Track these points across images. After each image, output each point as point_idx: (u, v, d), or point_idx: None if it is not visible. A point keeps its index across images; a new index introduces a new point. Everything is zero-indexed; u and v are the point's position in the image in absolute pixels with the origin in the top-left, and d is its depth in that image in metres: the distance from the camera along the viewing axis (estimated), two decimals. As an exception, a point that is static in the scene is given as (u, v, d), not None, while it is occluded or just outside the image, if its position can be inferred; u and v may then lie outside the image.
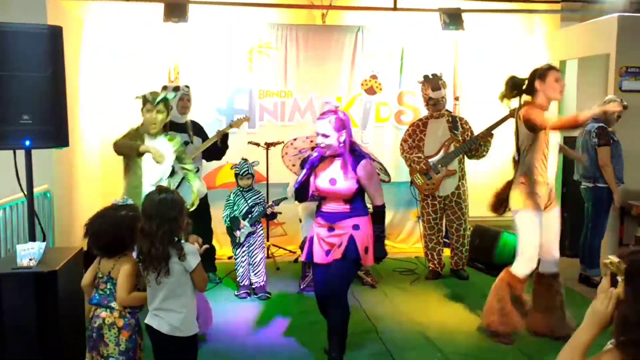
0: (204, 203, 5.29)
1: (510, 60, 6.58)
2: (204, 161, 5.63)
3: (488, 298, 4.06)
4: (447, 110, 5.48)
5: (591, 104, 5.05)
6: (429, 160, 5.34)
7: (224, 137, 5.19)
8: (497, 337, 3.98)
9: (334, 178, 3.52)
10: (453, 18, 5.94)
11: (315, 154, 3.57)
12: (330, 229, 3.57)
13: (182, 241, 2.63)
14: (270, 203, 5.08)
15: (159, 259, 2.54)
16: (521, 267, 3.89)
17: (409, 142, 5.45)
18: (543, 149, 3.79)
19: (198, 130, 5.29)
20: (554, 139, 3.85)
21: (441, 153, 5.32)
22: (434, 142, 5.35)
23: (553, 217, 3.95)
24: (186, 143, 5.13)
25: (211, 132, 5.35)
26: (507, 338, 3.96)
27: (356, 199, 3.57)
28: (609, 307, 1.62)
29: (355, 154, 3.56)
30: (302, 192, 3.66)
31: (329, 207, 3.60)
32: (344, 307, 3.59)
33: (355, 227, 3.53)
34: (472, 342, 4.05)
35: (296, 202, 5.65)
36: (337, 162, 3.53)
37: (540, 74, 3.84)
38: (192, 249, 2.60)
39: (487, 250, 5.66)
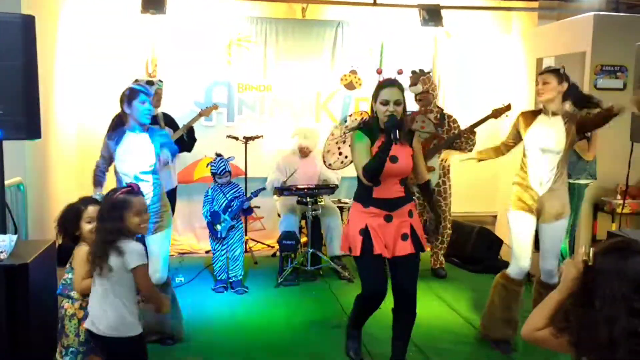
0: (171, 196, 5.25)
1: (489, 57, 6.64)
2: (181, 155, 5.60)
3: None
4: (438, 107, 5.43)
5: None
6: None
7: (189, 131, 5.14)
8: (496, 345, 3.87)
9: (395, 155, 3.12)
10: (432, 14, 5.95)
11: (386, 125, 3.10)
12: (388, 218, 3.19)
13: (130, 240, 2.54)
14: (249, 196, 5.07)
15: (98, 257, 2.50)
16: (510, 266, 3.83)
17: None
18: (522, 155, 3.77)
19: (169, 121, 5.27)
20: (534, 145, 3.67)
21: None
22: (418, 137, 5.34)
23: (550, 229, 3.73)
24: None
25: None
26: (503, 346, 3.84)
27: (405, 180, 3.26)
28: (576, 266, 1.69)
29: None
30: (378, 174, 3.11)
31: (383, 192, 3.17)
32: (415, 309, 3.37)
33: (410, 213, 3.26)
34: (447, 337, 4.08)
35: (275, 196, 5.70)
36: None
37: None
38: (137, 248, 2.52)
39: (462, 244, 5.72)
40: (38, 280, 3.15)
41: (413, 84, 5.33)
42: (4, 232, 3.36)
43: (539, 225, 3.77)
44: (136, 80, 5.01)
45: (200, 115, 5.26)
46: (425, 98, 5.31)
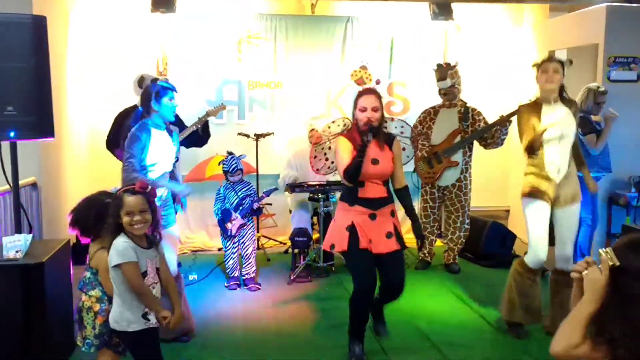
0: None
1: (500, 50, 6.59)
2: (193, 153, 5.64)
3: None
4: (461, 100, 5.38)
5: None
6: (434, 149, 5.29)
7: (204, 125, 5.14)
8: (511, 328, 3.95)
9: (375, 158, 3.39)
10: (442, 8, 5.93)
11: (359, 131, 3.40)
12: (372, 216, 3.42)
13: (119, 238, 2.58)
14: (261, 195, 5.07)
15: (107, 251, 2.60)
16: (528, 256, 3.84)
17: (418, 128, 5.41)
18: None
19: (176, 120, 5.29)
20: (553, 133, 3.71)
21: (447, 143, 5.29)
22: (442, 132, 5.29)
23: (566, 214, 3.80)
24: None
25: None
26: (518, 330, 3.91)
27: (387, 182, 3.51)
28: (603, 272, 1.60)
29: (385, 131, 3.56)
30: (356, 175, 3.36)
31: (367, 192, 3.41)
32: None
33: (392, 213, 3.51)
34: (461, 332, 4.07)
35: (286, 193, 5.70)
36: (373, 141, 3.38)
37: (537, 68, 3.80)
38: (117, 246, 2.55)
39: (476, 239, 5.69)
40: (53, 279, 3.18)
41: (442, 78, 5.28)
42: (19, 231, 3.40)
43: (554, 212, 3.80)
44: (141, 77, 5.04)
45: (207, 115, 5.26)
46: (451, 92, 5.27)
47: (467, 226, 5.47)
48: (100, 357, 2.83)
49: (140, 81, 5.03)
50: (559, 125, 3.70)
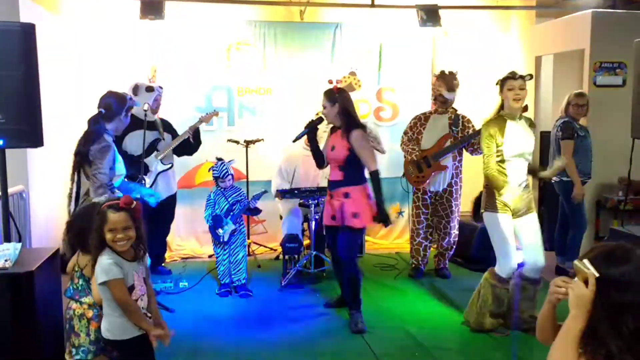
0: (168, 204, 5.27)
1: (487, 56, 6.64)
2: (182, 160, 5.64)
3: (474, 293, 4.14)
4: (452, 107, 5.41)
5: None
6: (424, 154, 5.31)
7: (195, 132, 5.17)
8: (493, 331, 4.07)
9: (334, 145, 4.17)
10: (430, 14, 5.97)
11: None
12: (331, 195, 4.18)
13: (102, 254, 2.55)
14: (251, 198, 5.06)
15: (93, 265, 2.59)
16: (498, 266, 3.99)
17: (409, 134, 5.44)
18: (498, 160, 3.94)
19: (167, 127, 5.31)
20: (516, 150, 3.85)
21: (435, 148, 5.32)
22: (432, 137, 5.31)
23: (529, 222, 3.96)
24: (157, 140, 5.13)
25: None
26: (499, 329, 4.06)
27: (350, 168, 4.10)
28: (589, 286, 1.59)
29: (351, 124, 4.10)
30: (316, 158, 4.41)
31: (330, 175, 4.24)
32: (351, 271, 4.20)
33: (346, 194, 4.10)
34: (453, 337, 4.09)
35: (277, 199, 5.71)
36: (339, 132, 4.16)
37: (500, 84, 3.96)
38: (102, 263, 2.53)
39: (466, 244, 5.71)
40: (43, 287, 3.15)
41: (452, 89, 5.27)
42: (8, 240, 3.37)
43: (517, 221, 3.93)
44: (136, 86, 5.04)
45: (200, 121, 5.28)
46: (449, 102, 5.30)
47: (456, 232, 5.50)
48: None
49: (135, 89, 5.03)
50: (518, 146, 3.86)
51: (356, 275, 4.24)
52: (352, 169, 4.11)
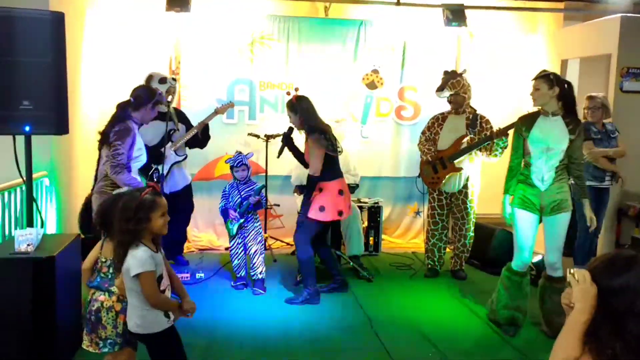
0: (185, 194, 5.32)
1: (513, 58, 6.58)
2: (202, 153, 5.68)
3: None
4: (471, 107, 5.36)
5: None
6: (440, 155, 5.29)
7: (204, 128, 5.25)
8: (501, 328, 4.14)
9: (305, 148, 4.69)
10: (456, 14, 5.92)
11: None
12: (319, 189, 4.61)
13: (137, 246, 2.54)
14: (253, 194, 5.01)
15: (117, 261, 2.56)
16: (514, 260, 4.08)
17: (426, 134, 5.42)
18: (525, 154, 4.01)
19: (182, 118, 5.36)
20: (540, 145, 3.89)
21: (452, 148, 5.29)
22: (449, 137, 5.28)
23: (552, 223, 3.98)
24: (172, 131, 5.17)
25: (211, 123, 5.39)
26: (508, 329, 4.10)
27: (323, 166, 4.53)
28: (587, 281, 1.63)
29: (308, 131, 4.52)
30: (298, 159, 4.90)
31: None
32: (301, 256, 4.65)
33: (320, 189, 4.56)
34: (467, 339, 4.06)
35: (295, 194, 5.72)
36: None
37: None
38: (139, 256, 2.51)
39: (483, 246, 5.67)
40: (64, 273, 3.20)
41: (440, 88, 5.29)
42: (31, 225, 3.42)
43: (543, 219, 4.00)
44: (150, 76, 5.09)
45: (216, 112, 5.31)
46: (455, 100, 5.26)
47: (472, 234, 5.46)
48: (117, 356, 2.80)
49: (148, 79, 5.07)
50: (542, 139, 3.89)
51: (307, 258, 4.61)
52: (324, 167, 4.52)
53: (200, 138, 5.26)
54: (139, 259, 2.51)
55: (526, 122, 3.98)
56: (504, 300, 4.11)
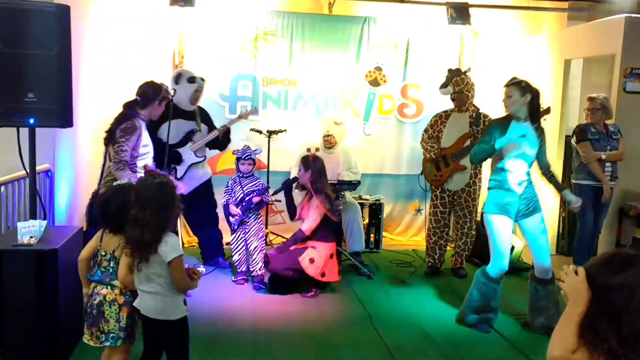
0: (207, 187, 5.31)
1: (516, 57, 6.57)
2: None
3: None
4: (474, 105, 5.38)
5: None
6: (443, 153, 5.30)
7: (226, 131, 5.21)
8: (475, 326, 4.16)
9: (303, 206, 4.91)
10: (460, 12, 5.90)
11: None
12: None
13: (168, 233, 2.58)
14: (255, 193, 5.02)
15: (146, 248, 2.54)
16: (490, 266, 4.07)
17: (429, 132, 5.43)
18: (496, 159, 4.06)
19: (205, 117, 5.31)
20: (514, 151, 3.91)
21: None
22: (452, 135, 5.28)
23: (528, 224, 4.04)
24: (193, 131, 5.14)
25: (215, 120, 5.38)
26: (482, 327, 4.13)
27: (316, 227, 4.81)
28: (578, 275, 1.67)
29: (315, 191, 4.71)
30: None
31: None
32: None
33: (313, 246, 4.79)
34: (467, 337, 4.07)
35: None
36: (309, 195, 4.85)
37: None
38: (173, 241, 2.56)
39: (484, 245, 5.66)
40: (66, 265, 3.21)
41: (444, 85, 5.30)
42: (34, 217, 3.43)
43: (520, 223, 4.03)
44: (179, 74, 5.09)
45: (239, 117, 5.30)
46: (459, 98, 5.27)
47: (473, 232, 5.47)
48: (116, 350, 2.79)
49: (178, 77, 5.07)
50: (521, 144, 3.92)
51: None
52: (319, 227, 4.73)
53: (222, 141, 5.23)
54: (171, 244, 2.54)
55: (500, 127, 4.00)
56: (475, 305, 4.10)
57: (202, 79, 5.21)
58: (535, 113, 3.99)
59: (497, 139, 3.94)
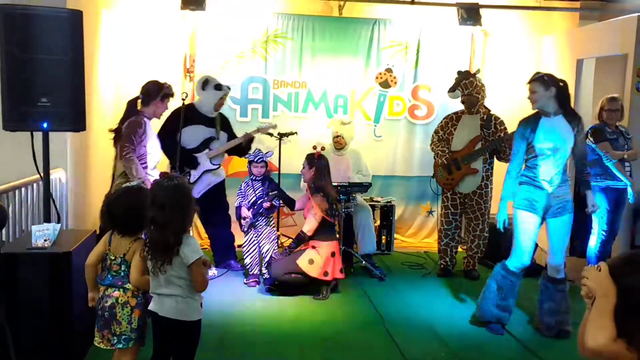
0: (219, 189, 5.33)
1: (527, 58, 6.53)
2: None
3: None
4: (485, 107, 5.37)
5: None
6: (454, 156, 5.28)
7: (249, 140, 5.24)
8: (489, 327, 4.14)
9: (303, 201, 5.09)
10: (471, 13, 5.89)
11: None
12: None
13: (188, 235, 2.60)
14: (266, 197, 5.02)
15: (169, 250, 2.52)
16: (511, 259, 4.05)
17: (439, 134, 5.42)
18: (528, 156, 3.98)
19: (225, 125, 5.33)
20: (547, 146, 3.87)
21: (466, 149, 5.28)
22: (463, 138, 5.27)
23: (557, 224, 3.99)
24: (211, 139, 5.16)
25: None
26: (496, 328, 4.11)
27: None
28: (600, 270, 1.67)
29: (315, 189, 4.77)
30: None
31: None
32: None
33: (313, 246, 4.83)
34: (479, 339, 4.06)
35: (306, 192, 5.72)
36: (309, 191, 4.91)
37: None
38: (193, 243, 2.57)
39: (496, 247, 5.64)
40: (80, 268, 3.23)
41: (452, 89, 5.29)
42: (48, 221, 3.46)
43: (547, 221, 3.99)
44: (206, 80, 5.13)
45: (258, 131, 5.32)
46: (469, 100, 5.25)
47: (486, 234, 5.44)
48: (126, 352, 2.79)
49: (205, 84, 5.11)
50: (548, 140, 3.87)
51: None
52: (319, 228, 4.74)
53: (243, 147, 5.24)
54: (193, 245, 2.55)
55: (529, 125, 3.95)
56: (494, 299, 4.08)
57: (228, 87, 5.25)
58: (566, 105, 3.92)
59: (530, 137, 3.90)
